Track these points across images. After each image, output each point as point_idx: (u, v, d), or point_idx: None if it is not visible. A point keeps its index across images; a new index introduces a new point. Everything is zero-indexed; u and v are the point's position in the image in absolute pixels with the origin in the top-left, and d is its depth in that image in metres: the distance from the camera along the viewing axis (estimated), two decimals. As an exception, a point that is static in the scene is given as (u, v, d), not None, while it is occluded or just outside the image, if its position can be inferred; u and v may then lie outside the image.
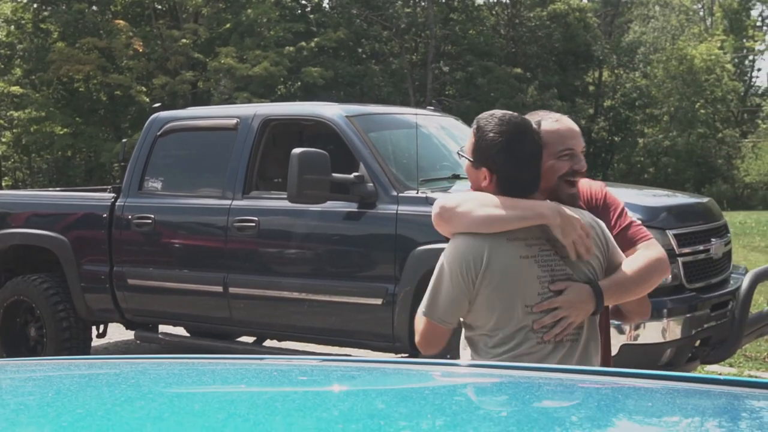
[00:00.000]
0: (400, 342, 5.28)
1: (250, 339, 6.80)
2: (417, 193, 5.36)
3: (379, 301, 5.36)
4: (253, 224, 5.91)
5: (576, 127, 2.90)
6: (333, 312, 5.69)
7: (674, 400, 1.29)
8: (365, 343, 5.75)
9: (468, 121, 8.32)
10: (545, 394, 1.32)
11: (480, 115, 2.71)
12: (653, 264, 2.77)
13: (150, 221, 6.44)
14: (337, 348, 6.42)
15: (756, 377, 6.48)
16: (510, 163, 2.58)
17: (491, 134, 2.58)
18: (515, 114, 2.67)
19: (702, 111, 43.88)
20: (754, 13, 53.41)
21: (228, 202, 6.09)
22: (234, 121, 6.34)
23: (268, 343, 6.68)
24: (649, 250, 2.80)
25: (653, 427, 1.14)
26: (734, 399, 1.27)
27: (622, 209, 2.91)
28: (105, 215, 6.66)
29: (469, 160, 2.67)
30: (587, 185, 2.95)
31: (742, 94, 49.05)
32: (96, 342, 7.42)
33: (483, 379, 1.52)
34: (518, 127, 2.60)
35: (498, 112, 2.66)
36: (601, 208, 2.88)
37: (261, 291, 5.97)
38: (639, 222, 2.93)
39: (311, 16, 38.59)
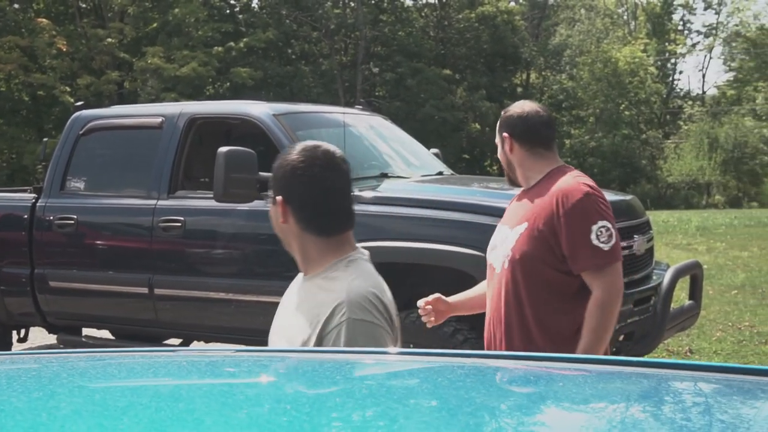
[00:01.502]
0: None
1: (177, 341, 6.69)
2: (345, 191, 5.33)
3: (307, 301, 5.31)
4: (179, 224, 5.82)
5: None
6: (261, 312, 5.61)
7: (595, 384, 1.29)
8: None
9: (398, 123, 8.36)
10: (472, 378, 1.32)
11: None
12: (603, 311, 2.98)
13: (72, 222, 6.30)
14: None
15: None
16: (309, 191, 2.22)
17: (291, 157, 2.22)
18: (327, 145, 2.28)
19: (626, 113, 44.88)
20: (676, 17, 54.82)
21: (153, 202, 5.98)
22: (159, 119, 6.23)
23: (195, 345, 6.58)
24: (594, 293, 3.00)
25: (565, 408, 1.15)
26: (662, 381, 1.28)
27: (590, 228, 2.99)
28: (25, 216, 6.48)
29: (268, 196, 2.30)
30: (571, 182, 3.06)
31: (665, 96, 50.28)
32: (17, 347, 7.22)
33: (410, 367, 1.51)
34: (326, 155, 2.23)
35: (309, 143, 2.28)
36: (563, 215, 3.00)
37: (187, 292, 5.88)
38: (603, 245, 2.99)
39: (240, 16, 38.32)
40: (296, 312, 2.20)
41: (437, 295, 3.33)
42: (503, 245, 3.16)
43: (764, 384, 1.26)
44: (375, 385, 1.32)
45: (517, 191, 3.39)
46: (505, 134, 3.22)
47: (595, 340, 2.96)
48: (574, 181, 3.06)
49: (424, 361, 1.58)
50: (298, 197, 2.20)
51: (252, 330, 5.77)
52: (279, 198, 2.21)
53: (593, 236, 2.98)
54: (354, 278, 2.15)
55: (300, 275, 2.31)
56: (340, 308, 2.08)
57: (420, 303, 3.31)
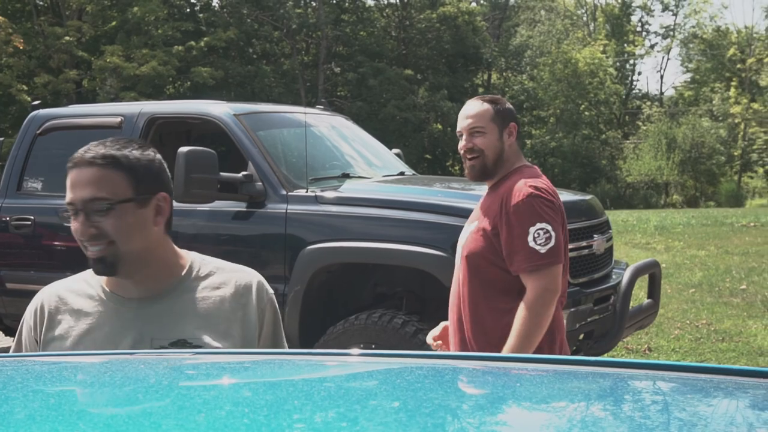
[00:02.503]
0: (291, 341, 5.23)
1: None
2: (306, 192, 5.32)
3: (269, 302, 5.29)
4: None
5: (469, 109, 3.20)
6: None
7: (554, 383, 1.30)
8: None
9: (360, 122, 8.36)
10: (433, 380, 1.32)
11: None
12: (531, 313, 3.02)
13: (29, 223, 6.21)
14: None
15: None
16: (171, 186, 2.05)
17: (148, 153, 1.98)
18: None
19: (586, 113, 45.31)
20: (634, 18, 55.45)
21: (112, 202, 5.91)
22: (118, 119, 6.17)
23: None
24: (527, 294, 3.04)
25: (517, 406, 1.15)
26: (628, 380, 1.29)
27: (528, 230, 3.04)
28: (-19, 217, 6.38)
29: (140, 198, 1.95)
30: (519, 183, 3.10)
31: (624, 96, 50.83)
32: (-27, 350, 7.11)
33: (371, 368, 1.51)
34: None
35: (118, 138, 2.01)
36: (504, 215, 3.09)
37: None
38: (539, 248, 3.04)
39: (200, 15, 38.07)
40: (194, 321, 1.99)
41: (443, 323, 3.41)
42: (461, 244, 3.26)
43: (721, 382, 1.27)
44: (334, 387, 1.32)
45: (481, 189, 3.42)
46: (513, 124, 3.25)
47: (522, 342, 2.99)
48: (522, 182, 3.10)
49: (385, 363, 1.58)
50: (169, 194, 2.02)
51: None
52: (163, 194, 1.99)
53: (530, 238, 3.03)
54: (226, 262, 2.14)
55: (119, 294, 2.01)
56: (261, 285, 2.07)
57: (429, 340, 3.44)
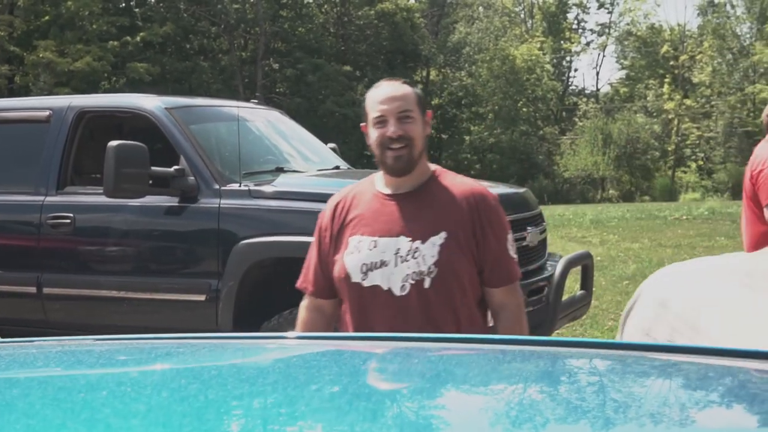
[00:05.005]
0: (225, 337, 5.18)
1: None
2: (240, 186, 5.28)
3: (202, 298, 5.24)
4: (68, 221, 5.66)
5: (393, 91, 2.76)
6: (155, 310, 5.53)
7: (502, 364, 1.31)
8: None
9: (299, 119, 8.32)
10: (380, 361, 1.32)
11: None
12: (525, 323, 2.84)
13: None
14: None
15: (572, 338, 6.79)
16: None
17: None
18: None
19: (524, 109, 45.78)
20: (571, 16, 56.17)
21: (41, 198, 5.80)
22: (46, 113, 6.04)
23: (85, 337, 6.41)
24: (511, 308, 2.81)
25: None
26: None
27: (507, 237, 2.81)
28: None
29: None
30: (477, 186, 2.86)
31: (561, 93, 51.45)
32: None
33: (310, 350, 1.50)
34: None
35: None
36: (486, 224, 2.76)
37: (78, 291, 5.72)
38: (515, 256, 2.84)
39: (136, 10, 37.48)
40: None
41: None
42: (405, 260, 2.69)
43: (656, 360, 1.29)
44: (271, 370, 1.31)
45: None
46: (429, 112, 2.88)
47: None
48: (478, 185, 2.86)
49: (322, 345, 1.57)
50: None
51: (146, 328, 5.65)
52: None
53: (509, 246, 2.82)
54: None
55: None
56: None
57: None
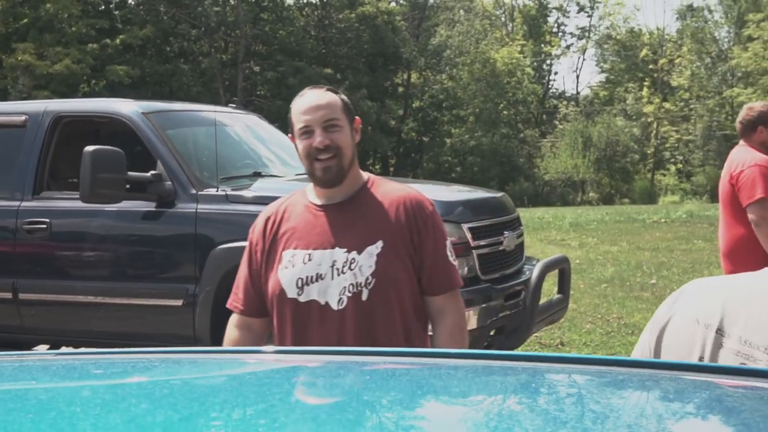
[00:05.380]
0: (202, 342, 5.17)
1: (44, 347, 6.47)
2: (217, 191, 5.27)
3: (179, 303, 5.23)
4: (44, 226, 5.62)
5: (316, 99, 2.62)
6: (132, 315, 5.51)
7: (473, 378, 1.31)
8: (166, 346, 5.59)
9: (280, 122, 8.31)
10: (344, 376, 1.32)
11: None
12: (465, 335, 2.71)
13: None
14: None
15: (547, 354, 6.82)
16: None
17: None
18: None
19: (505, 112, 45.91)
20: (551, 19, 56.47)
21: (16, 203, 5.76)
22: (22, 117, 6.00)
23: (63, 350, 6.37)
24: (452, 317, 2.66)
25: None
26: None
27: (445, 243, 2.69)
28: None
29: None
30: (412, 191, 2.70)
31: (541, 96, 51.68)
32: None
33: (287, 364, 1.50)
34: None
35: None
36: (423, 230, 2.63)
37: (54, 296, 5.69)
38: (455, 262, 2.72)
39: (116, 12, 37.33)
40: None
41: None
42: (342, 272, 2.56)
43: (633, 375, 1.30)
44: (247, 385, 1.31)
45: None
46: (358, 119, 2.74)
47: None
48: (413, 191, 2.72)
49: (301, 360, 1.57)
50: None
51: (124, 334, 5.64)
52: None
53: (448, 252, 2.70)
54: None
55: None
56: None
57: None
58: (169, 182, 5.33)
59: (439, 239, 2.65)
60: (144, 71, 34.65)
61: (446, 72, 46.84)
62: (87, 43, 31.86)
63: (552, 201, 40.56)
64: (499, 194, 6.18)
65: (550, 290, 6.81)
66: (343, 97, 2.70)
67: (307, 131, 2.59)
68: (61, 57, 30.16)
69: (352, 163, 2.65)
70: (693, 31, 47.61)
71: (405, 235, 2.59)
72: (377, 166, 44.72)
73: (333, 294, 2.55)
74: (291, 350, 2.02)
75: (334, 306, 2.55)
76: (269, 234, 2.69)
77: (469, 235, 5.05)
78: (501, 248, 5.40)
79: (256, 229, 2.74)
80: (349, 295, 2.55)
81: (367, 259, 2.55)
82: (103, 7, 37.42)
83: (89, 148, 5.08)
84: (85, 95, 32.12)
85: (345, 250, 2.56)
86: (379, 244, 2.57)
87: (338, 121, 2.61)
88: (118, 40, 32.87)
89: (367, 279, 2.54)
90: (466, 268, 4.98)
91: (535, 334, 6.64)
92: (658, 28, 55.15)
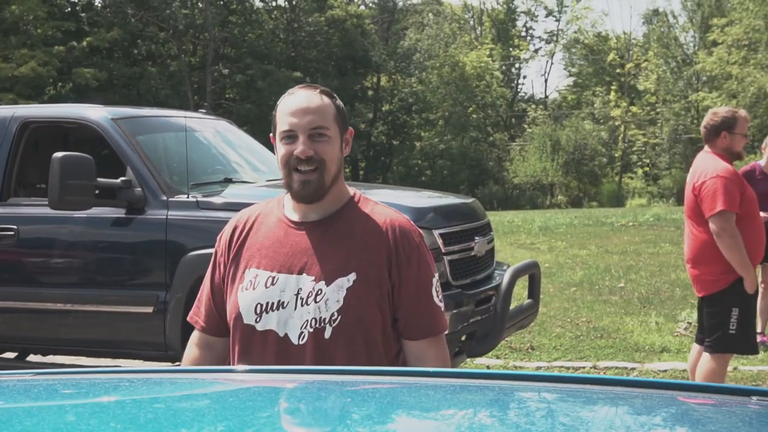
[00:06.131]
0: (173, 350, 5.14)
1: (11, 355, 6.40)
2: (188, 197, 5.24)
3: (149, 309, 5.19)
4: (12, 233, 5.56)
5: (306, 101, 2.28)
6: (102, 322, 5.46)
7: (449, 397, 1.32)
8: (136, 353, 5.55)
9: (249, 125, 8.32)
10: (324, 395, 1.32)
11: None
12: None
13: None
14: (107, 360, 6.18)
15: (520, 368, 6.87)
16: None
17: None
18: None
19: (474, 116, 46.13)
20: (519, 23, 56.79)
21: (-17, 210, 5.69)
22: (-11, 123, 5.93)
23: (31, 358, 6.31)
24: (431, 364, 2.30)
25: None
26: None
27: (432, 281, 2.33)
28: None
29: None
30: (401, 218, 2.35)
31: (510, 99, 51.96)
32: None
33: (259, 383, 1.49)
34: None
35: None
36: (405, 264, 2.28)
37: (22, 303, 5.62)
38: (441, 304, 2.34)
39: (82, 14, 37.00)
40: None
41: None
42: (306, 303, 2.23)
43: (600, 392, 1.32)
44: (216, 406, 1.31)
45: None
46: (351, 129, 2.41)
47: None
48: (402, 217, 2.36)
49: (271, 379, 1.57)
50: None
51: (93, 341, 5.59)
52: None
53: (434, 292, 2.33)
54: None
55: None
56: None
57: None
58: (139, 189, 5.29)
59: (423, 276, 2.29)
60: (111, 74, 34.40)
61: (415, 75, 46.98)
62: (53, 45, 31.57)
63: (521, 204, 40.79)
64: (470, 200, 6.20)
65: (520, 295, 6.85)
66: (339, 102, 2.37)
67: (291, 136, 2.26)
68: (26, 59, 29.86)
69: (336, 179, 2.31)
70: (659, 36, 48.14)
71: (383, 268, 2.25)
72: (347, 170, 44.66)
73: (294, 326, 2.23)
74: (263, 369, 1.96)
75: (294, 340, 2.22)
76: (235, 245, 2.38)
77: (440, 241, 5.07)
78: (472, 254, 5.42)
79: (223, 237, 2.44)
80: (311, 330, 2.21)
81: (335, 293, 2.21)
82: (69, 9, 37.09)
83: (58, 155, 5.03)
84: (51, 98, 31.82)
85: (312, 278, 2.23)
86: (352, 276, 2.23)
87: (327, 130, 2.27)
88: (84, 43, 32.62)
89: (332, 315, 2.21)
90: (437, 274, 4.99)
91: (506, 339, 6.67)
92: (624, 33, 55.73)
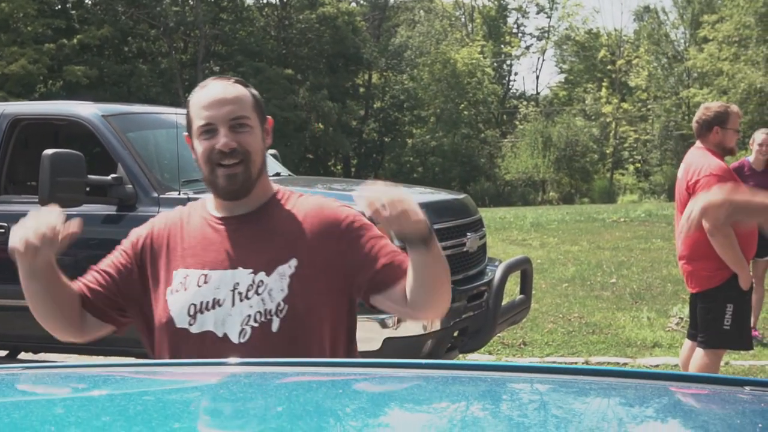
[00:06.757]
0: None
1: (2, 353, 6.39)
2: (179, 194, 5.23)
3: (141, 307, 5.17)
4: (2, 230, 5.54)
5: (223, 91, 2.15)
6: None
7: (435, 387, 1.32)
8: (128, 351, 5.55)
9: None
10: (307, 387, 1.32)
11: None
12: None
13: None
14: (99, 358, 6.17)
15: (512, 363, 6.88)
16: None
17: None
18: None
19: (465, 112, 46.13)
20: (511, 20, 56.81)
21: (-27, 207, 5.67)
22: (-21, 120, 5.91)
23: (22, 356, 6.30)
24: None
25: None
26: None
27: (378, 235, 2.20)
28: None
29: None
30: (335, 203, 2.25)
31: (502, 96, 51.99)
32: None
33: (253, 376, 1.49)
34: None
35: None
36: (351, 239, 2.17)
37: (14, 301, 5.57)
38: (396, 243, 2.24)
39: (72, 12, 36.90)
40: None
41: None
42: (246, 297, 2.10)
43: (592, 383, 1.32)
44: (211, 400, 1.30)
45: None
46: (270, 119, 2.29)
47: None
48: (329, 198, 2.29)
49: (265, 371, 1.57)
50: None
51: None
52: None
53: (389, 241, 2.22)
54: None
55: None
56: None
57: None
58: (130, 185, 5.28)
59: (369, 232, 2.17)
60: (102, 71, 34.32)
61: (407, 72, 46.99)
62: (43, 43, 31.49)
63: (513, 201, 40.84)
64: (462, 196, 6.20)
65: (512, 290, 6.86)
66: (254, 91, 2.23)
67: (210, 130, 2.12)
68: (16, 57, 29.79)
69: (261, 172, 2.19)
70: (649, 33, 48.22)
71: (326, 246, 2.14)
72: (339, 167, 44.72)
73: (233, 324, 2.08)
74: (254, 362, 1.91)
75: (235, 339, 2.07)
76: (158, 244, 2.22)
77: (432, 237, 5.06)
78: (464, 249, 5.43)
79: (143, 233, 2.27)
80: (255, 325, 2.07)
81: (277, 282, 2.09)
82: (59, 6, 36.98)
83: (48, 152, 5.02)
84: (42, 96, 31.73)
85: (250, 270, 2.10)
86: (293, 262, 2.10)
87: (248, 119, 2.14)
88: (75, 40, 32.53)
89: (278, 305, 2.08)
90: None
91: (498, 335, 6.68)
92: (615, 29, 55.82)
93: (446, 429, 1.09)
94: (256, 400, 1.20)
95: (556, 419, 1.11)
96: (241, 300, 2.08)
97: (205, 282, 2.11)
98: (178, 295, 2.12)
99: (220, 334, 2.07)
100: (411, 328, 4.91)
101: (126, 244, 2.28)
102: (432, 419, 1.14)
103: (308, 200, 2.24)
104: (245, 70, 37.41)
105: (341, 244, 2.14)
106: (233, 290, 2.09)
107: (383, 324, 4.79)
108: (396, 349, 4.79)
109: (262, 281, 2.09)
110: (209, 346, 2.07)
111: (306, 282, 2.10)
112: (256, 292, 2.08)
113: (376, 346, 4.78)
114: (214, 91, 2.14)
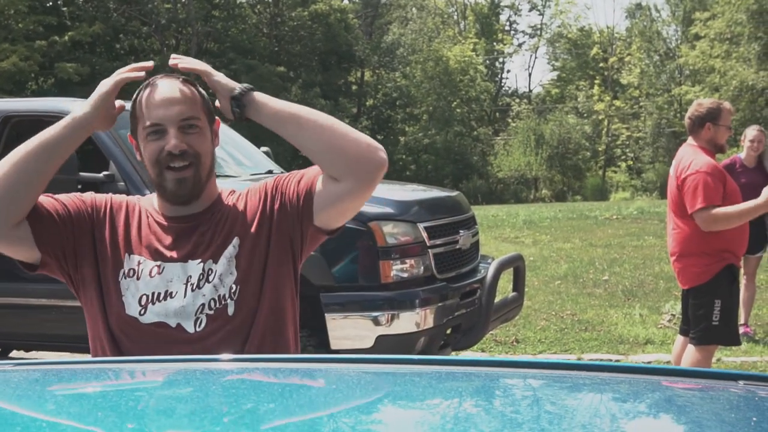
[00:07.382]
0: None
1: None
2: (171, 191, 5.21)
3: (133, 304, 5.16)
4: (-6, 227, 5.52)
5: (171, 92, 2.09)
6: (84, 318, 5.42)
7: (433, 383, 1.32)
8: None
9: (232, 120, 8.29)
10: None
11: None
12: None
13: None
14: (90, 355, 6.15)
15: (506, 358, 6.87)
16: None
17: None
18: None
19: (458, 110, 46.17)
20: (503, 17, 56.89)
21: (-36, 204, 5.64)
22: (-30, 117, 5.89)
23: (14, 354, 6.29)
24: None
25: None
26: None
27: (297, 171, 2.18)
28: None
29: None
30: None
31: (494, 94, 52.03)
32: None
33: (246, 372, 1.49)
34: None
35: None
36: (280, 191, 2.15)
37: (5, 299, 5.59)
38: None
39: (64, 8, 36.77)
40: None
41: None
42: (199, 287, 2.07)
43: (586, 378, 1.32)
44: (205, 395, 1.30)
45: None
46: (218, 120, 2.25)
47: None
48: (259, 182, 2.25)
49: (263, 366, 1.56)
50: None
51: (76, 336, 5.55)
52: None
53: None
54: None
55: None
56: None
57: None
58: (122, 183, 5.27)
59: (286, 179, 2.16)
60: (94, 69, 34.19)
61: (399, 70, 46.98)
62: (35, 39, 31.38)
63: (506, 198, 40.89)
64: (454, 193, 6.20)
65: (505, 288, 6.87)
66: (203, 91, 2.19)
67: (158, 131, 2.06)
68: (8, 54, 29.68)
69: (211, 175, 2.15)
70: (641, 30, 48.31)
71: (260, 214, 2.13)
72: (331, 164, 44.59)
73: (188, 314, 2.05)
74: (247, 359, 1.91)
75: (190, 328, 2.04)
76: (114, 218, 2.16)
77: (424, 235, 5.07)
78: (457, 247, 5.43)
79: (102, 198, 2.20)
80: (210, 312, 2.05)
81: (225, 266, 2.08)
82: (50, 3, 36.84)
83: (40, 149, 5.00)
84: (33, 93, 31.63)
85: (198, 261, 2.08)
86: (235, 241, 2.10)
87: (198, 120, 2.09)
88: (66, 37, 32.43)
89: (231, 289, 2.06)
90: (422, 268, 5.00)
91: (491, 332, 6.69)
92: (608, 27, 55.91)
93: (439, 424, 1.09)
94: (248, 395, 1.20)
95: (549, 414, 1.11)
96: (193, 290, 2.05)
97: (159, 273, 2.08)
98: (130, 282, 2.08)
99: (173, 325, 2.04)
100: (403, 325, 4.91)
101: (85, 196, 2.19)
102: (425, 415, 1.14)
103: (244, 189, 2.21)
104: (237, 67, 37.35)
105: (268, 203, 2.12)
106: (186, 283, 2.06)
107: (376, 321, 4.79)
108: (389, 346, 4.79)
109: (211, 269, 2.06)
110: (163, 337, 2.04)
111: (250, 255, 2.08)
112: (207, 280, 2.06)
113: (369, 343, 4.78)
114: (163, 91, 2.09)
